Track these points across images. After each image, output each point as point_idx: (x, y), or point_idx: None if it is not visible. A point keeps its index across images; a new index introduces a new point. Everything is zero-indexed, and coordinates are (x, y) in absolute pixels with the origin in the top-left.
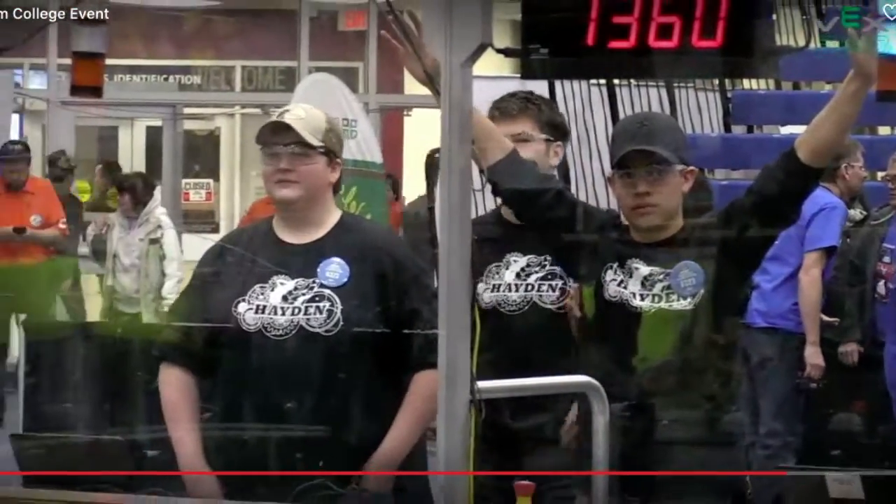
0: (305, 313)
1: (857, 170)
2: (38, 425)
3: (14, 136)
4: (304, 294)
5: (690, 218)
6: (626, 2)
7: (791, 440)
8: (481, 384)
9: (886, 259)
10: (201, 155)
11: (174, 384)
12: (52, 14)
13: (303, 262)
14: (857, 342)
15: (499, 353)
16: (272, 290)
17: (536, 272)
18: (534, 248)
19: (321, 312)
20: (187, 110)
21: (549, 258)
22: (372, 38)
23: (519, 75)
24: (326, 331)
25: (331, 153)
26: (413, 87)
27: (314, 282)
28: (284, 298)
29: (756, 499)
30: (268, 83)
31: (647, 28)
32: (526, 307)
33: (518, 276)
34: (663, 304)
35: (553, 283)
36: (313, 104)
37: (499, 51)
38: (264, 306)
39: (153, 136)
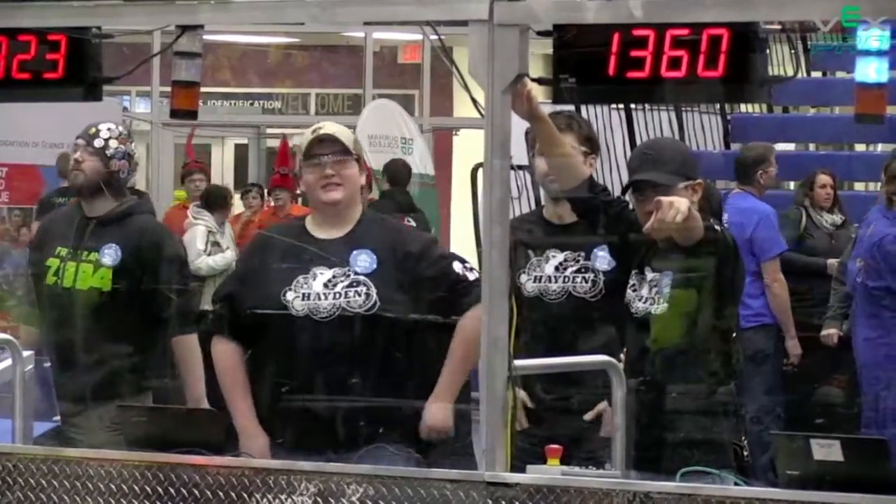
0: (346, 297)
1: (770, 174)
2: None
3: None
4: (342, 281)
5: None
6: (642, 38)
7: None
8: (518, 362)
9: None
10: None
11: (228, 354)
12: (156, 49)
13: (336, 253)
14: (837, 328)
15: (539, 336)
16: (314, 279)
17: (572, 266)
18: (570, 245)
19: (359, 296)
20: (269, 130)
21: (582, 254)
22: (426, 69)
23: (551, 101)
24: (366, 311)
25: (360, 160)
26: (460, 111)
27: (349, 270)
28: (325, 286)
29: (752, 460)
30: (338, 108)
31: (660, 61)
32: (563, 297)
33: (556, 269)
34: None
35: (586, 275)
36: (377, 125)
37: (534, 80)
38: (309, 293)
39: (240, 152)
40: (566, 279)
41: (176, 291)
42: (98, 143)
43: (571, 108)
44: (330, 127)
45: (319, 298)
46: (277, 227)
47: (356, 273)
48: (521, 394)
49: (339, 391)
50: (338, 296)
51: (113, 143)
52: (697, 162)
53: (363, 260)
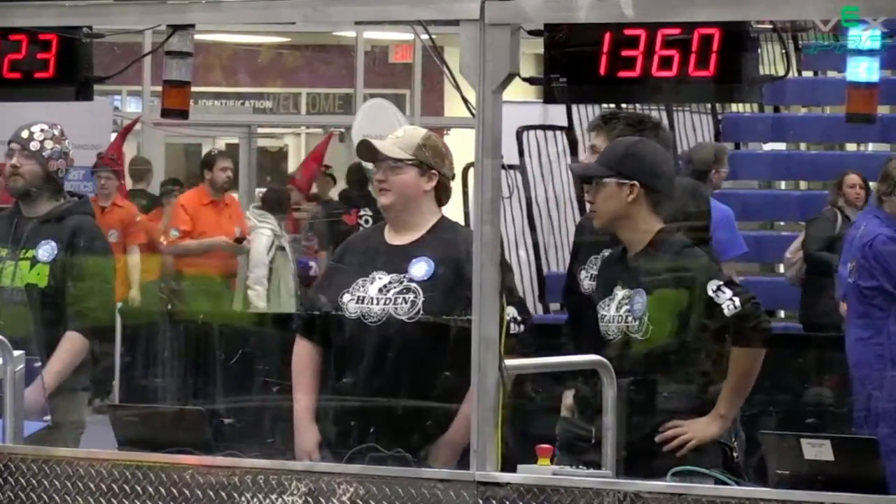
0: (395, 303)
1: (722, 175)
2: (133, 398)
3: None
4: (395, 287)
5: (684, 222)
6: (633, 38)
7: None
8: (508, 362)
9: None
10: (272, 168)
11: (301, 353)
12: (147, 48)
13: (399, 259)
14: None
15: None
16: (371, 283)
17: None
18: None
19: (406, 303)
20: (260, 130)
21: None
22: (417, 69)
23: (541, 100)
24: (409, 318)
25: (423, 165)
26: (451, 110)
27: (405, 276)
28: (380, 290)
29: (742, 461)
30: (329, 107)
31: (651, 60)
32: None
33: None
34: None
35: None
36: (372, 123)
37: (525, 79)
38: (363, 297)
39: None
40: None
41: (90, 294)
42: (34, 145)
43: (563, 108)
44: (396, 133)
45: (372, 303)
46: (361, 231)
47: (410, 280)
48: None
49: (377, 392)
50: (388, 301)
51: (49, 144)
52: (650, 164)
53: (420, 268)
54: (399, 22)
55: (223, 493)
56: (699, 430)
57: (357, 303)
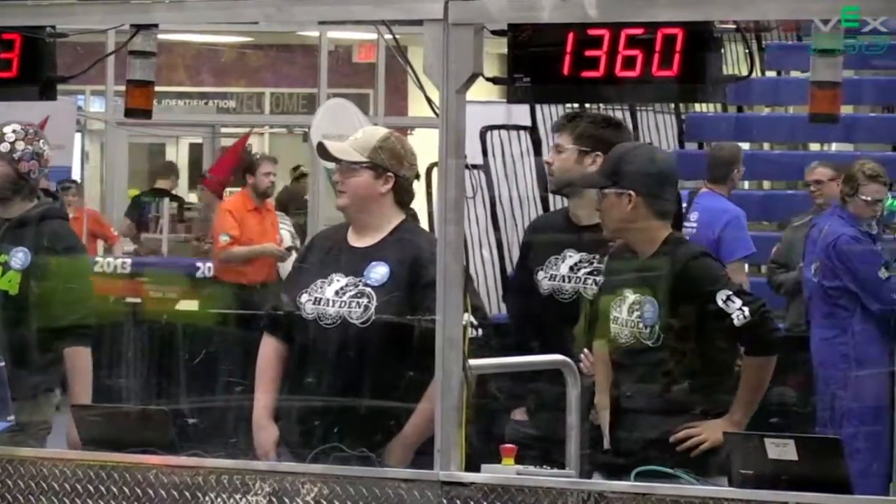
0: (349, 307)
1: (740, 173)
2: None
3: (77, 151)
4: (351, 290)
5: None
6: (597, 38)
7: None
8: (472, 361)
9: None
10: (237, 167)
11: (265, 351)
12: (110, 48)
13: (357, 262)
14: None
15: (553, 334)
16: (329, 284)
17: (585, 268)
18: (587, 247)
19: (360, 307)
20: (224, 130)
21: (597, 257)
22: (381, 69)
23: (505, 100)
24: (362, 322)
25: (379, 167)
26: (415, 110)
27: (361, 280)
28: (336, 293)
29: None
30: (292, 107)
31: (614, 60)
32: (574, 297)
33: (571, 269)
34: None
35: (598, 278)
36: (333, 124)
37: (488, 79)
38: (320, 298)
39: (195, 151)
40: (578, 280)
41: (77, 301)
42: (4, 146)
43: (526, 108)
44: (355, 135)
45: (328, 305)
46: (327, 230)
47: (366, 284)
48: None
49: (323, 394)
50: (343, 304)
51: (20, 145)
52: (642, 171)
53: (377, 272)
54: (362, 22)
55: (187, 493)
56: (713, 433)
57: (314, 304)
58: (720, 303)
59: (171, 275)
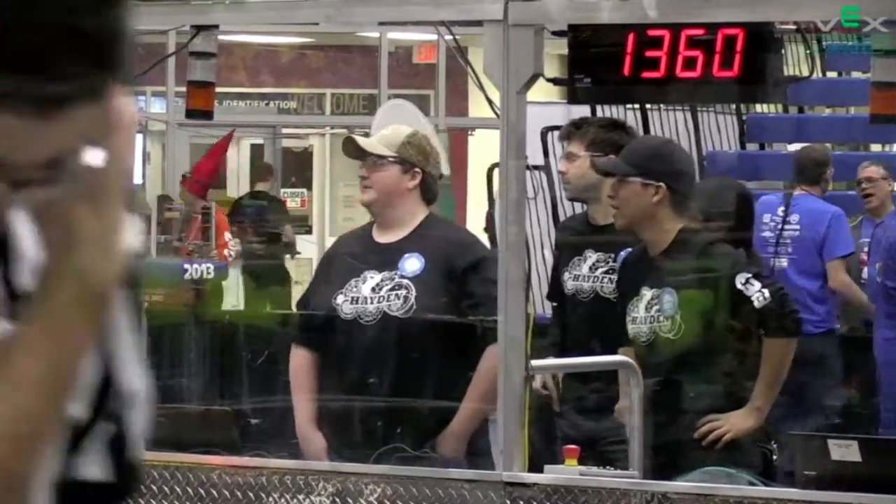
0: (388, 300)
1: (831, 174)
2: (159, 397)
3: (138, 152)
4: (387, 284)
5: (722, 222)
6: (657, 38)
7: None
8: (534, 362)
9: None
10: (297, 168)
11: (297, 362)
12: (171, 49)
13: (389, 257)
14: None
15: (577, 333)
16: (363, 283)
17: (602, 267)
18: (602, 247)
19: (399, 299)
20: (285, 130)
21: (612, 256)
22: (441, 69)
23: (565, 101)
24: (403, 314)
25: (406, 162)
26: (476, 111)
27: (396, 273)
28: (373, 289)
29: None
30: (353, 108)
31: (675, 61)
32: (591, 295)
33: (590, 268)
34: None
35: (613, 276)
36: (393, 124)
37: (549, 80)
38: (357, 297)
39: (256, 152)
40: (595, 279)
41: None
42: None
43: (587, 108)
44: (382, 131)
45: (366, 302)
46: (347, 234)
47: (402, 276)
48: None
49: (373, 393)
50: (381, 299)
51: None
52: (676, 165)
53: (411, 264)
54: (422, 22)
55: (250, 494)
56: (736, 423)
57: (352, 303)
58: (739, 285)
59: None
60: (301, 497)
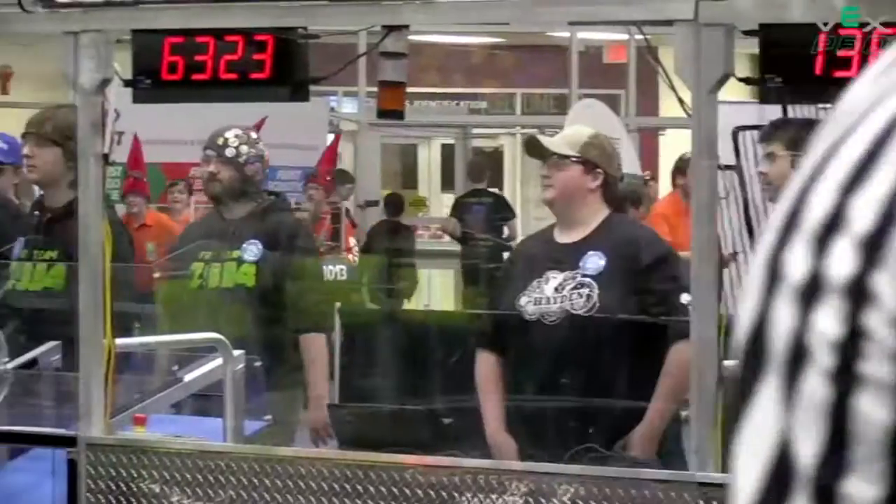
0: (571, 300)
1: None
2: (351, 397)
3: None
4: (569, 284)
5: None
6: (849, 38)
7: None
8: (727, 362)
9: None
10: (487, 168)
11: (481, 364)
12: (362, 49)
13: (570, 256)
14: None
15: None
16: (546, 283)
17: None
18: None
19: (581, 297)
20: (476, 131)
21: None
22: (631, 69)
23: (757, 100)
24: (586, 312)
25: (589, 163)
26: (666, 110)
27: (577, 272)
28: (556, 289)
29: None
30: (543, 108)
31: (867, 61)
32: None
33: None
34: None
35: None
36: (583, 123)
37: (740, 79)
38: (541, 297)
39: (447, 152)
40: None
41: (309, 289)
42: (229, 151)
43: (778, 108)
44: (564, 131)
45: (549, 302)
46: (530, 236)
47: (584, 275)
48: None
49: (560, 393)
50: (564, 299)
51: (244, 149)
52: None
53: (593, 262)
54: (613, 22)
55: (444, 493)
56: None
57: (535, 304)
58: None
59: None
60: (494, 497)
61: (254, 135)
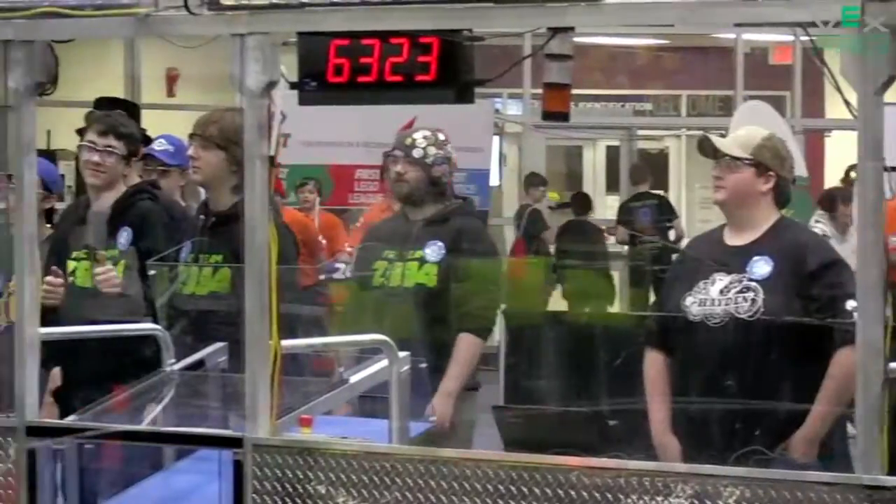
0: (735, 303)
1: None
2: (516, 398)
3: (494, 154)
4: (735, 287)
5: None
6: None
7: None
8: (893, 365)
9: None
10: (652, 170)
11: (648, 363)
12: (527, 51)
13: (738, 259)
14: None
15: None
16: (712, 284)
17: None
18: None
19: (746, 301)
20: (640, 132)
21: None
22: (797, 70)
23: None
24: (750, 316)
25: (761, 165)
26: (832, 112)
27: (744, 276)
28: (721, 292)
29: None
30: (708, 109)
31: None
32: None
33: None
34: None
35: None
36: (748, 124)
37: None
38: (706, 299)
39: (612, 153)
40: None
41: (479, 292)
42: (417, 152)
43: None
44: (737, 132)
45: (714, 304)
46: (700, 235)
47: (750, 279)
48: None
49: (722, 395)
50: (729, 301)
51: (431, 150)
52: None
53: (760, 266)
54: (778, 24)
55: (609, 495)
56: None
57: (700, 305)
58: None
59: None
60: (659, 499)
61: (442, 136)
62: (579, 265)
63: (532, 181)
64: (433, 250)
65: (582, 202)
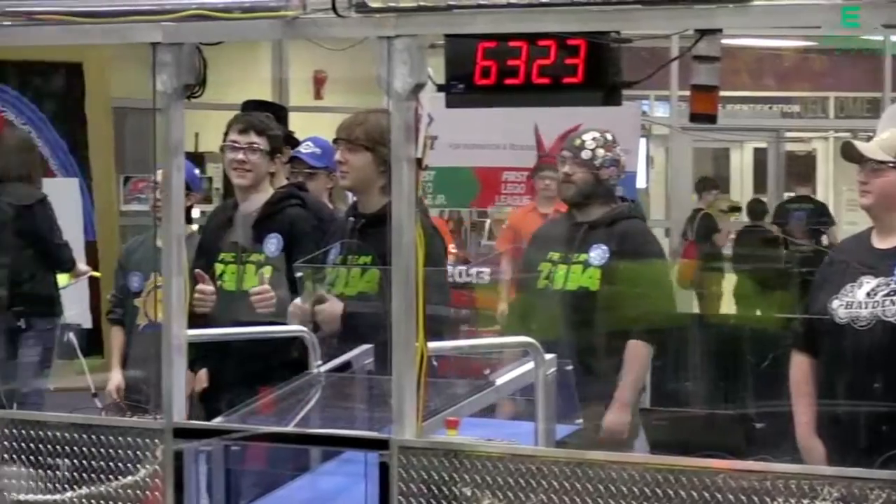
0: (882, 306)
1: None
2: (663, 401)
3: (642, 156)
4: (882, 290)
5: None
6: None
7: None
8: None
9: None
10: (799, 172)
11: (799, 369)
12: (674, 53)
13: (885, 262)
14: None
15: None
16: (859, 287)
17: None
18: None
19: (893, 304)
20: (788, 134)
21: None
22: None
23: None
24: None
25: None
26: None
27: (891, 279)
28: (868, 294)
29: None
30: (856, 111)
31: None
32: None
33: None
34: None
35: None
36: (892, 129)
37: None
38: (852, 302)
39: (759, 156)
40: None
41: (651, 296)
42: (585, 154)
43: None
44: (883, 135)
45: (860, 307)
46: (848, 238)
47: None
48: None
49: (868, 398)
50: (876, 305)
51: (600, 152)
52: None
53: None
54: None
55: (755, 498)
56: None
57: (846, 308)
58: None
59: None
60: (805, 502)
61: (610, 137)
62: (756, 272)
63: (705, 185)
64: (597, 254)
65: (756, 208)
